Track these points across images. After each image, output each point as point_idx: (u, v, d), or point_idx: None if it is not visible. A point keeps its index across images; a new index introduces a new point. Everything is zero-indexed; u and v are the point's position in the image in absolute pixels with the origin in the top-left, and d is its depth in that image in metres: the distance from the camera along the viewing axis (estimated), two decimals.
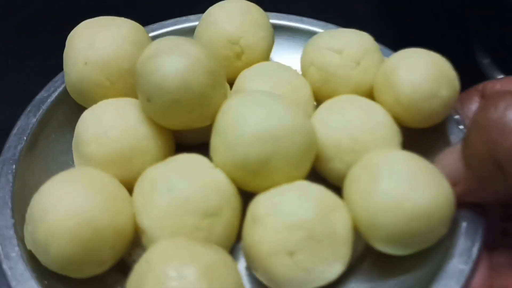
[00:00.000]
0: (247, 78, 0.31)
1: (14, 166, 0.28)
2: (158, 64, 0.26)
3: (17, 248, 0.25)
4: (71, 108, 0.32)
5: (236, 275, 0.22)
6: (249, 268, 0.26)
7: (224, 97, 0.28)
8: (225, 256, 0.22)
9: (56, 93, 0.33)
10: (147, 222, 0.25)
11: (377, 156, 0.25)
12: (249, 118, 0.25)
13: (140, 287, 0.21)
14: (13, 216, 0.26)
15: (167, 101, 0.26)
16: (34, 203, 0.25)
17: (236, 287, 0.21)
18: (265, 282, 0.25)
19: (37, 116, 0.31)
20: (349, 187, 0.26)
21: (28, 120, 0.31)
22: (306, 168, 0.27)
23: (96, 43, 0.29)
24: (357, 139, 0.27)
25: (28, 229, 0.25)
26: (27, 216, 0.25)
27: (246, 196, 0.27)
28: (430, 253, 0.25)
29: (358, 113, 0.28)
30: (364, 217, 0.24)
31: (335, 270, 0.24)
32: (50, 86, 0.33)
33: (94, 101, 0.30)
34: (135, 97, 0.29)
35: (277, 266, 0.23)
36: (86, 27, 0.30)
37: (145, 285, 0.21)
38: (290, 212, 0.24)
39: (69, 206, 0.23)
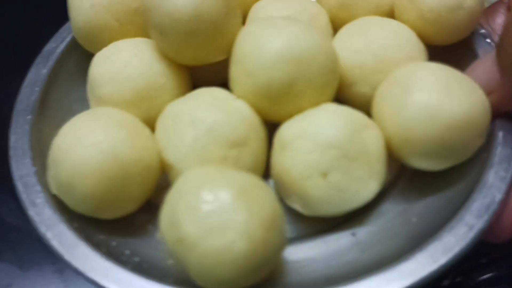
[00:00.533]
0: (261, 8, 0.29)
1: (29, 117, 0.28)
2: None
3: (42, 195, 0.24)
4: (81, 57, 0.31)
5: (272, 195, 0.21)
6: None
7: (239, 27, 0.27)
8: (258, 179, 0.21)
9: (64, 43, 0.32)
10: (173, 156, 0.24)
11: (406, 69, 0.24)
12: (270, 41, 0.24)
13: (174, 216, 0.20)
14: (34, 164, 0.26)
15: (181, 32, 0.25)
16: (55, 145, 0.24)
17: (273, 207, 0.20)
18: (298, 208, 0.24)
19: (47, 67, 0.30)
20: (378, 105, 0.24)
21: (38, 72, 0.30)
22: (331, 92, 0.26)
23: None
24: (382, 59, 0.26)
25: (51, 174, 0.24)
26: (49, 161, 0.24)
27: (270, 129, 0.26)
28: (467, 166, 0.24)
29: (381, 32, 0.27)
30: (397, 132, 0.23)
31: (370, 189, 0.23)
32: (57, 36, 0.32)
33: (103, 45, 0.28)
34: (145, 37, 0.28)
35: (311, 189, 0.23)
36: None
37: (179, 214, 0.20)
38: (320, 132, 0.23)
39: (92, 142, 0.23)
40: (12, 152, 0.26)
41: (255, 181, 0.21)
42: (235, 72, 0.25)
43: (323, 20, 0.30)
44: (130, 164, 0.23)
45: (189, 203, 0.20)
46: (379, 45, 0.26)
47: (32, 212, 0.24)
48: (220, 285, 0.20)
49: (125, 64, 0.26)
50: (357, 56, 0.27)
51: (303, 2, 0.30)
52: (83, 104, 0.30)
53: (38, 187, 0.25)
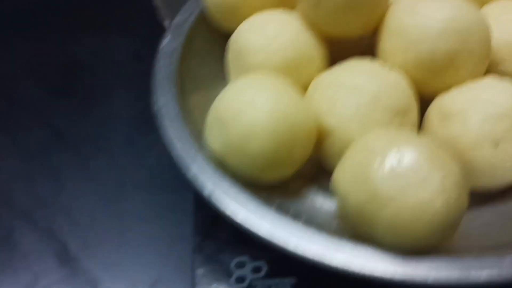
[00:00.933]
0: None
1: (173, 84, 0.28)
2: None
3: (200, 155, 0.24)
4: (210, 32, 0.32)
5: (451, 156, 0.21)
6: None
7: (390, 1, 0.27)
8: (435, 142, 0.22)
9: (192, 17, 0.32)
10: (334, 122, 0.24)
11: None
12: (433, 13, 0.24)
13: (363, 174, 0.20)
14: (187, 129, 0.26)
15: (339, 3, 0.25)
16: (219, 109, 0.24)
17: (458, 167, 0.20)
18: None
19: (179, 40, 0.31)
20: None
21: (171, 44, 0.30)
22: (485, 66, 0.26)
23: None
24: None
25: (214, 136, 0.24)
26: (210, 122, 0.25)
27: None
28: None
29: None
30: None
31: None
32: (184, 11, 0.32)
33: (237, 19, 0.29)
34: (283, 8, 0.29)
35: (480, 158, 0.23)
36: None
37: (371, 172, 0.20)
38: (493, 103, 0.23)
39: (263, 104, 0.23)
40: (163, 113, 0.26)
41: (434, 143, 0.21)
42: (389, 45, 0.26)
43: None
44: (297, 126, 0.23)
45: (382, 162, 0.20)
46: None
47: (194, 171, 0.24)
48: (413, 241, 0.20)
49: (275, 34, 0.27)
50: (505, 36, 0.27)
51: None
52: (213, 79, 0.30)
53: (193, 151, 0.25)
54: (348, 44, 0.29)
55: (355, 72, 0.25)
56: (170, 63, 0.29)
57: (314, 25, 0.27)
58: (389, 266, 0.20)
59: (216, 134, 0.24)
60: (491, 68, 0.27)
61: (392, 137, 0.21)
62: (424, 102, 0.26)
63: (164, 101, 0.27)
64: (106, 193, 0.31)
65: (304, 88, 0.26)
